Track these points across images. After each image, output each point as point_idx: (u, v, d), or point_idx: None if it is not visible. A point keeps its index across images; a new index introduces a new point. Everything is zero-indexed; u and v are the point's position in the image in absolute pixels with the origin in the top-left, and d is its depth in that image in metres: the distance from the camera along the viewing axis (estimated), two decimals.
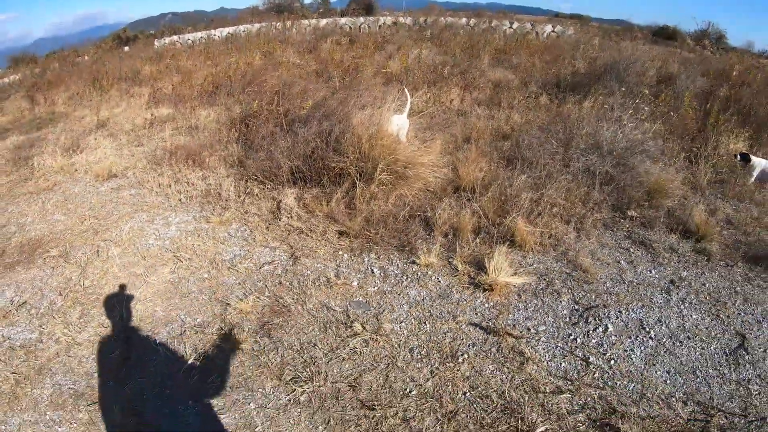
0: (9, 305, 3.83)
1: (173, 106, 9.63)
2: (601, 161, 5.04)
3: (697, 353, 3.09)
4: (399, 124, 5.41)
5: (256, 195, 4.99)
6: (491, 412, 2.64)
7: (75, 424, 2.75)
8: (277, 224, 4.48)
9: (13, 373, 3.17)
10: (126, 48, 22.04)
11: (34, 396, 2.99)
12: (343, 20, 18.14)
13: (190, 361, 3.09)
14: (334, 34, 15.30)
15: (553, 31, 15.61)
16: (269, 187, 5.03)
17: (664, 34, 19.04)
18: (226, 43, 15.91)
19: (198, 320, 3.43)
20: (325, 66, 10.10)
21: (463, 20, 16.61)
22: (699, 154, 5.82)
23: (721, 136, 6.18)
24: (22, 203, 5.69)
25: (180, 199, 5.28)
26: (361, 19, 18.23)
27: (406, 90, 5.99)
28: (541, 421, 2.57)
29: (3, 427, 2.80)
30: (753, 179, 5.28)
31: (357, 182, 4.65)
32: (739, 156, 5.44)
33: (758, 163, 5.32)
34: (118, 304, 3.72)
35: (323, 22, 17.89)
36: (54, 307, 3.77)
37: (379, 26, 17.10)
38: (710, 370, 2.97)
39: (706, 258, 4.07)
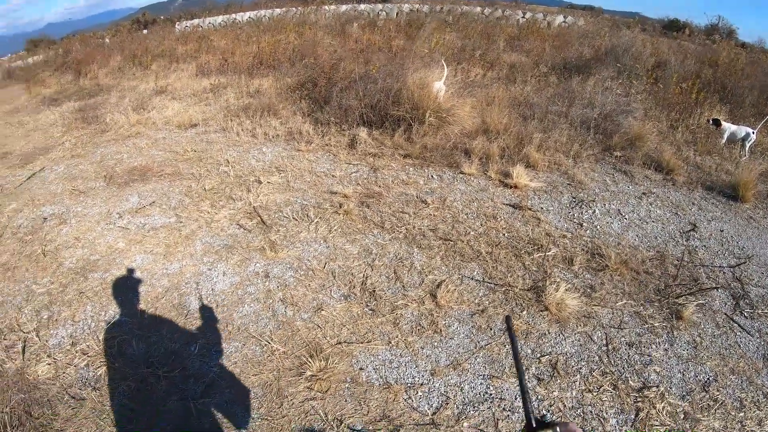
0: (139, 205, 5.16)
1: (225, 76, 10.99)
2: (593, 115, 6.59)
3: (659, 230, 4.61)
4: (438, 87, 6.93)
5: (333, 133, 6.54)
6: (521, 243, 4.25)
7: (229, 265, 4.15)
8: (354, 151, 6.04)
9: (161, 241, 4.52)
10: (145, 31, 23.26)
11: (187, 252, 4.36)
12: (362, 6, 19.27)
13: (315, 220, 4.63)
14: (356, 19, 16.60)
15: (564, 21, 16.78)
16: (343, 128, 6.58)
17: (674, 27, 20.17)
18: (252, 26, 17.15)
19: (313, 202, 4.96)
20: (361, 46, 11.53)
21: (478, 9, 17.87)
22: (680, 120, 7.31)
23: (702, 109, 7.62)
24: (110, 146, 7.00)
25: (267, 138, 6.79)
26: (380, 5, 19.37)
27: (443, 62, 7.49)
28: (553, 247, 4.16)
29: (166, 269, 4.16)
30: (724, 140, 6.57)
31: (412, 124, 6.21)
32: (711, 121, 6.73)
33: (727, 127, 6.60)
34: (241, 197, 5.16)
35: (343, 8, 19.04)
36: (183, 203, 5.15)
37: (397, 13, 18.27)
38: (667, 238, 4.48)
39: (672, 184, 5.57)
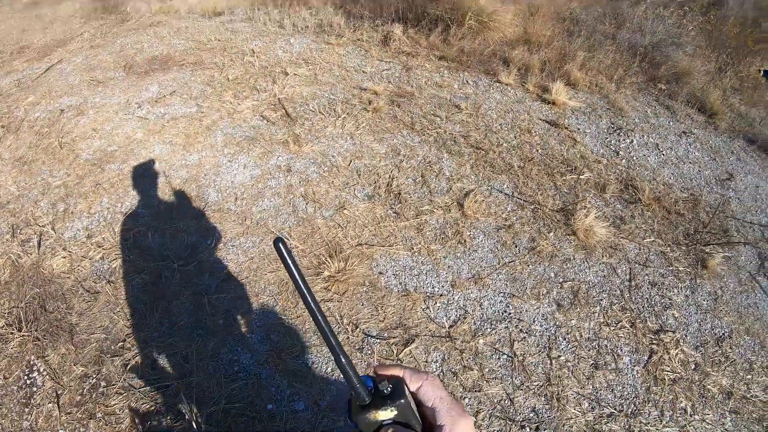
0: (159, 95, 4.95)
1: None
2: (643, 42, 6.18)
3: (695, 172, 4.39)
4: None
5: (366, 28, 6.15)
6: (555, 161, 4.07)
7: (250, 157, 4.03)
8: (387, 48, 5.70)
9: (181, 131, 4.37)
10: None
11: (207, 143, 4.23)
12: None
13: (342, 116, 4.42)
14: None
15: None
16: (377, 23, 6.19)
17: None
18: None
19: (341, 97, 4.73)
20: None
21: None
22: (730, 64, 6.83)
23: (755, 59, 7.08)
24: (130, 36, 6.61)
25: (295, 29, 6.42)
26: None
27: None
28: (586, 171, 3.98)
29: (184, 161, 4.05)
30: None
31: (450, 25, 5.83)
32: (763, 72, 6.34)
33: None
34: (266, 88, 4.93)
35: None
36: (205, 93, 4.93)
37: None
38: (702, 183, 4.27)
39: (714, 128, 5.26)
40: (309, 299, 0.65)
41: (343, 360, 0.66)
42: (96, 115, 4.66)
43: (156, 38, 6.40)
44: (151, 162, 4.04)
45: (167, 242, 3.35)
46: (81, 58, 5.98)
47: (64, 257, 3.29)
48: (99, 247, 3.34)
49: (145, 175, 3.89)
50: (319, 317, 0.66)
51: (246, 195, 3.65)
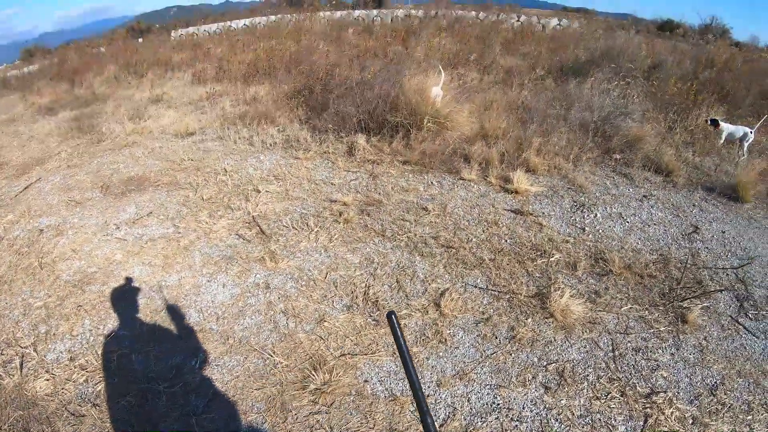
0: (137, 216, 5.11)
1: (221, 84, 10.97)
2: (592, 118, 6.57)
3: (661, 233, 4.57)
4: (435, 92, 6.92)
5: (331, 140, 6.51)
6: (524, 249, 4.22)
7: (229, 276, 4.10)
8: (353, 158, 6.01)
9: (159, 252, 4.48)
10: (140, 39, 23.23)
11: (186, 263, 4.31)
12: (357, 13, 19.28)
13: (315, 229, 4.59)
14: (351, 25, 16.63)
15: (558, 24, 16.82)
16: (341, 135, 6.55)
17: (668, 28, 20.27)
18: (247, 34, 17.15)
19: (312, 210, 4.92)
20: (357, 52, 11.53)
21: (472, 13, 17.87)
22: (678, 121, 7.27)
23: (700, 110, 7.55)
24: (107, 156, 6.94)
25: (264, 146, 6.76)
26: (374, 11, 19.36)
27: (439, 67, 7.48)
28: (556, 253, 4.12)
29: (164, 282, 4.09)
30: (722, 141, 6.54)
31: (410, 130, 6.18)
32: (709, 121, 6.69)
33: (725, 127, 6.57)
34: (240, 206, 5.11)
35: (338, 14, 19.09)
36: (181, 213, 5.09)
37: (391, 19, 18.27)
38: (670, 241, 4.44)
39: (672, 185, 5.52)
40: (409, 365, 0.95)
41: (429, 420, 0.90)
42: (75, 236, 4.76)
43: (131, 159, 6.68)
44: (131, 283, 4.08)
45: (151, 364, 3.33)
46: (59, 178, 6.21)
47: (48, 379, 3.25)
48: (83, 369, 3.30)
49: (125, 297, 3.92)
50: (416, 383, 0.95)
51: (227, 314, 3.69)
